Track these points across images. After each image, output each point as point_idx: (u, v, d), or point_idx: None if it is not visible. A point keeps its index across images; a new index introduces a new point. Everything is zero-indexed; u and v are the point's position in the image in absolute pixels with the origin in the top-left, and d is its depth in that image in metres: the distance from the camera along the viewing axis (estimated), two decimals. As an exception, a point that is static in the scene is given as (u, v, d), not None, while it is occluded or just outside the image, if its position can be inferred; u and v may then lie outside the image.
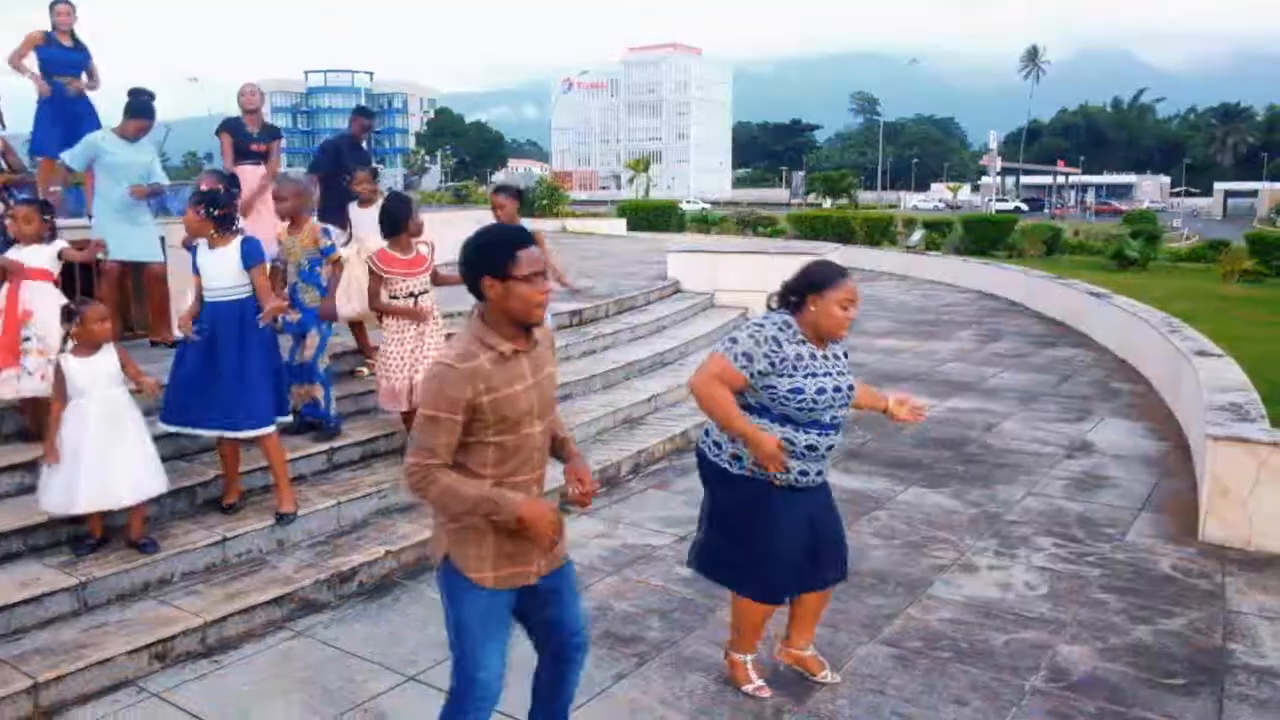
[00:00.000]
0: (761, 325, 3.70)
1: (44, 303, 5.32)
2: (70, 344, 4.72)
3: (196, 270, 5.26)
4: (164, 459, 5.44)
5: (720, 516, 3.92)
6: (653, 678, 4.21)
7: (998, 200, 74.19)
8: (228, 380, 5.11)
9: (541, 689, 3.25)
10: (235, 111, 8.21)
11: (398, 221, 6.09)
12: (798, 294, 3.70)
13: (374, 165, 7.97)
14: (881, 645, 4.50)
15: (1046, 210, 72.14)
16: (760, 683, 4.04)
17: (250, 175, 7.86)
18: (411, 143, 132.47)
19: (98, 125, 7.89)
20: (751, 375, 3.64)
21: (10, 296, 5.36)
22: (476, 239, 2.86)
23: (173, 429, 5.24)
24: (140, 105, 6.92)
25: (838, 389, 3.70)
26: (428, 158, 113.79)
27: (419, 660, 4.32)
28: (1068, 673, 4.24)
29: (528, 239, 2.85)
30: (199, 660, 4.32)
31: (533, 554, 2.95)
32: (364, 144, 8.87)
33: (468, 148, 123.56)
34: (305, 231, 6.27)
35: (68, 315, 4.73)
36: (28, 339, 5.32)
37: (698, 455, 3.97)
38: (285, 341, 6.08)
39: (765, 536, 3.77)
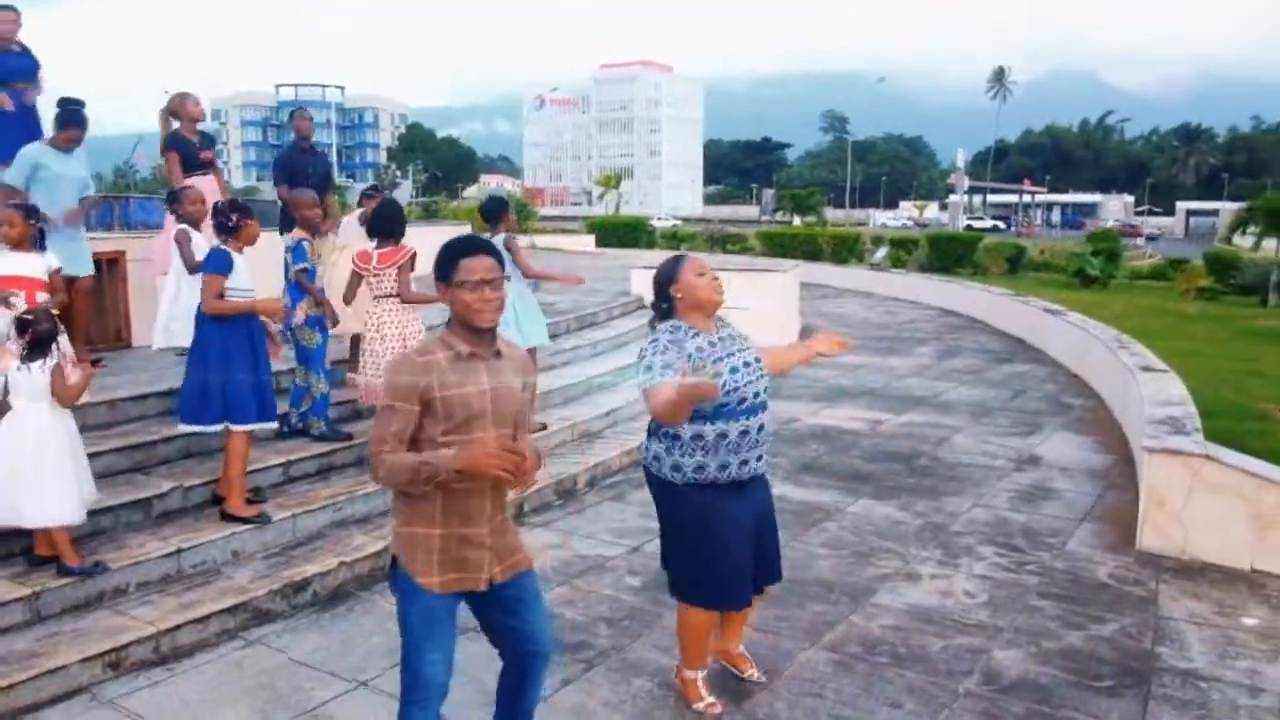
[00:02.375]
0: (655, 339, 3.78)
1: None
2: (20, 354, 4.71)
3: (224, 269, 5.31)
4: (120, 472, 5.55)
5: (670, 529, 4.00)
6: (598, 683, 4.32)
7: (971, 218, 75.12)
8: (250, 377, 5.35)
9: (503, 693, 3.32)
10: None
11: (392, 225, 6.26)
12: (663, 298, 3.85)
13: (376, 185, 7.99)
14: (822, 651, 4.63)
15: (1013, 228, 73.11)
16: (711, 699, 4.08)
17: (204, 185, 7.84)
18: (383, 157, 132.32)
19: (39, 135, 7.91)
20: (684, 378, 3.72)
21: None
22: (440, 250, 3.04)
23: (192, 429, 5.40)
24: (71, 115, 6.86)
25: (746, 363, 3.78)
26: (399, 173, 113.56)
27: (369, 668, 4.40)
28: (1000, 676, 4.38)
29: (475, 249, 2.99)
30: (152, 668, 4.37)
31: (483, 562, 3.02)
32: (312, 140, 8.91)
33: (439, 163, 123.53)
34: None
35: (20, 327, 4.69)
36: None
37: (644, 471, 4.06)
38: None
39: (715, 541, 3.84)
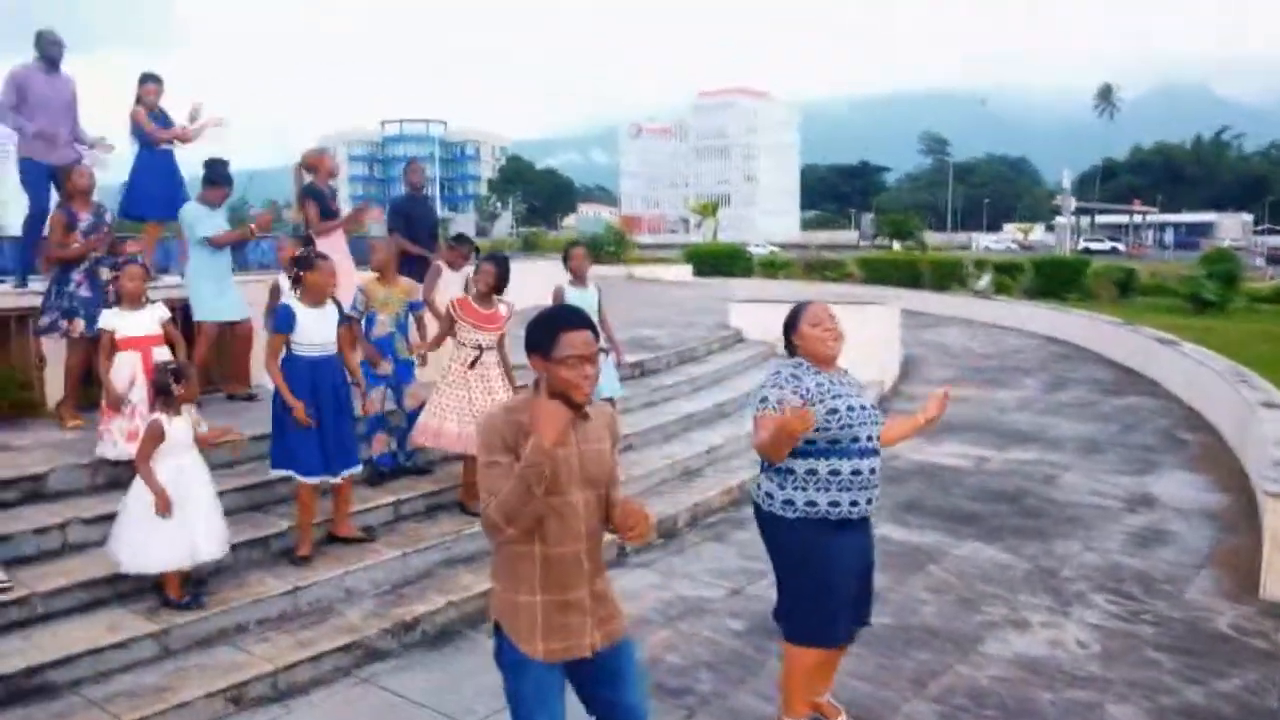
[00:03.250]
0: (777, 373, 3.96)
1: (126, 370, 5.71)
2: (161, 403, 4.98)
3: (288, 328, 5.50)
4: (240, 510, 5.80)
5: (780, 567, 4.06)
6: (701, 730, 4.34)
7: (1089, 239, 73.02)
8: (332, 429, 5.56)
9: None
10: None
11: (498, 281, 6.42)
12: (787, 340, 4.06)
13: (470, 239, 8.23)
14: (928, 703, 4.56)
15: (1124, 248, 70.84)
16: None
17: (331, 238, 8.25)
18: (484, 189, 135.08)
19: (182, 182, 8.48)
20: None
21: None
22: (534, 318, 2.99)
23: (284, 473, 5.60)
24: (220, 174, 7.46)
25: (863, 406, 3.91)
26: (499, 204, 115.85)
27: (477, 709, 4.50)
28: (1114, 733, 4.27)
29: (577, 322, 2.91)
30: (270, 705, 4.55)
31: (585, 626, 3.00)
32: (424, 190, 9.63)
33: (538, 194, 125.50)
34: (400, 285, 6.80)
35: (176, 377, 4.98)
36: (130, 402, 5.70)
37: (754, 509, 4.11)
38: (375, 393, 6.52)
39: (822, 575, 3.89)
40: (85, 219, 6.73)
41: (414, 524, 6.30)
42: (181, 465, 4.93)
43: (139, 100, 8.43)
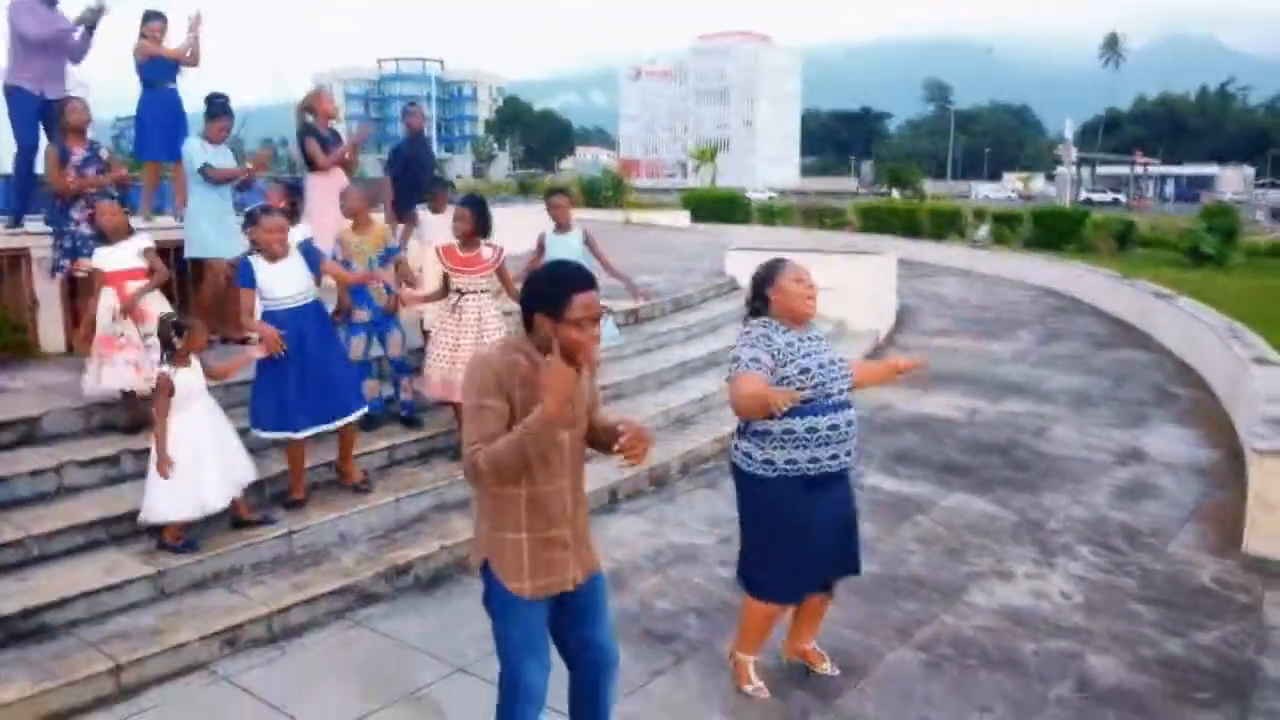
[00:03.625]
0: (748, 332, 3.96)
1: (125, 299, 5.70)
2: (166, 356, 4.98)
3: (252, 283, 5.39)
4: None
5: (753, 521, 4.11)
6: (689, 676, 4.41)
7: (1090, 190, 72.67)
8: (317, 378, 5.47)
9: (577, 704, 3.37)
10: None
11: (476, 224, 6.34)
12: (759, 297, 3.99)
13: (448, 180, 8.30)
14: (912, 651, 4.64)
15: (1125, 200, 70.58)
16: (760, 684, 4.24)
17: (331, 178, 8.21)
18: (480, 130, 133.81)
19: (186, 120, 8.41)
20: (770, 374, 3.80)
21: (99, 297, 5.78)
22: (537, 276, 3.00)
23: (273, 435, 5.54)
24: (220, 107, 7.39)
25: (833, 361, 3.95)
26: (496, 145, 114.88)
27: (468, 652, 4.57)
28: (1093, 683, 4.34)
29: (586, 283, 2.92)
30: (265, 646, 4.63)
31: (568, 563, 3.09)
32: (424, 132, 9.61)
33: (536, 136, 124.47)
34: (373, 231, 6.67)
35: (178, 330, 4.96)
36: (121, 334, 5.70)
37: (731, 466, 4.15)
38: (357, 341, 6.44)
39: (797, 534, 3.96)
40: (79, 154, 6.68)
41: (408, 469, 6.35)
42: (192, 417, 4.94)
43: (143, 38, 8.31)
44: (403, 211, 8.69)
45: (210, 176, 7.19)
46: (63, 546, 4.89)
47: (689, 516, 6.45)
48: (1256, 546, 5.75)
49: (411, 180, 8.70)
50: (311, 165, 8.45)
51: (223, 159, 7.35)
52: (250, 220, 5.56)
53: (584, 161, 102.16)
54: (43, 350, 7.19)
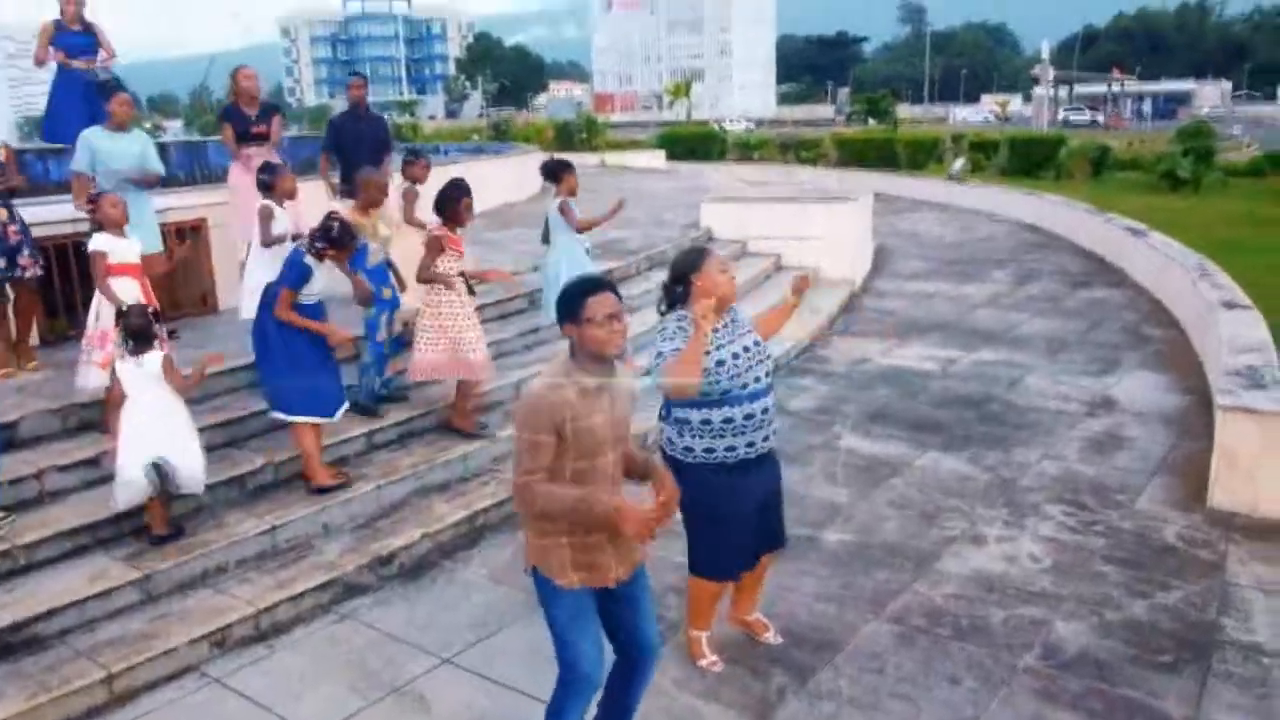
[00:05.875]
0: (664, 328, 4.08)
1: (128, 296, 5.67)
2: (128, 346, 5.04)
3: (297, 285, 5.51)
4: (216, 448, 5.86)
5: (681, 504, 4.22)
6: (667, 658, 4.50)
7: (1069, 109, 72.23)
8: (334, 367, 5.77)
9: (614, 686, 3.58)
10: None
11: (455, 211, 6.37)
12: (680, 283, 4.08)
13: (411, 148, 8.07)
14: (886, 623, 4.77)
15: (1103, 120, 70.30)
16: (714, 658, 4.45)
17: (256, 157, 7.93)
18: (452, 69, 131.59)
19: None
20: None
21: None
22: (561, 295, 3.23)
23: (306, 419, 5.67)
24: (109, 87, 7.17)
25: (746, 349, 4.07)
26: (468, 85, 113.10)
27: (454, 643, 4.68)
28: (1060, 650, 4.49)
29: (597, 287, 3.17)
30: (254, 645, 4.72)
31: (610, 563, 3.31)
32: (366, 105, 8.90)
33: (508, 73, 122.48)
34: (376, 214, 6.82)
35: (156, 316, 5.13)
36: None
37: (660, 452, 4.26)
38: (385, 321, 6.65)
39: (719, 519, 4.16)
40: None
41: (387, 454, 6.40)
42: (137, 406, 5.02)
43: (61, 13, 8.09)
44: (350, 188, 7.99)
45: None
46: (48, 554, 4.94)
47: (668, 487, 6.53)
48: (1221, 500, 5.90)
49: (348, 160, 8.29)
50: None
51: (123, 144, 6.90)
52: (337, 238, 5.56)
53: (557, 100, 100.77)
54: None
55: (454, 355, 6.37)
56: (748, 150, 36.08)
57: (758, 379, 4.06)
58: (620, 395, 3.27)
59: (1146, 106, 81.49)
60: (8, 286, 6.54)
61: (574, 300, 3.15)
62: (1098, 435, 7.22)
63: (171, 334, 7.00)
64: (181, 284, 8.22)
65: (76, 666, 4.31)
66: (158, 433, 5.00)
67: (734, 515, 4.14)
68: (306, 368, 5.54)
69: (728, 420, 4.01)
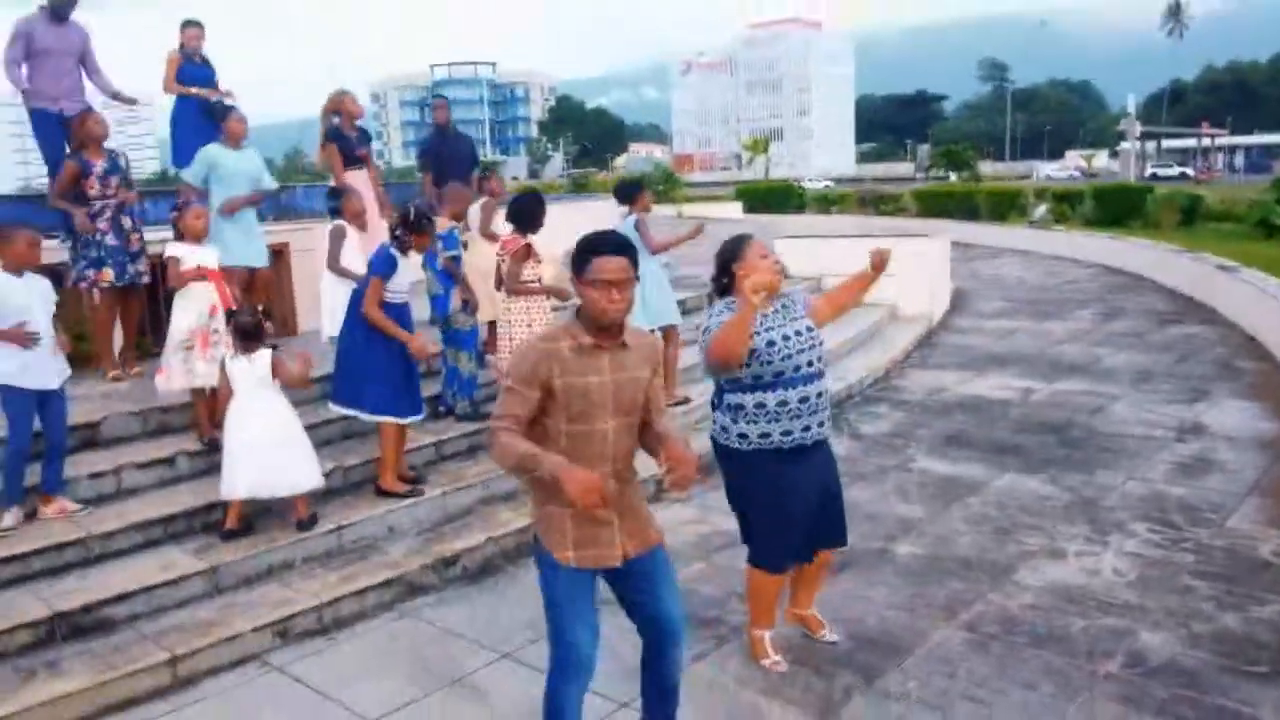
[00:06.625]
0: (714, 308, 4.08)
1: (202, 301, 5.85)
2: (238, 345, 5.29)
3: (386, 273, 5.59)
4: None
5: (737, 493, 4.23)
6: (730, 657, 4.42)
7: (1156, 165, 70.74)
8: (414, 370, 5.81)
9: (645, 669, 3.47)
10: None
11: (534, 217, 6.52)
12: (724, 272, 4.07)
13: (484, 164, 8.47)
14: (957, 630, 4.59)
15: (1192, 174, 68.67)
16: (777, 658, 4.32)
17: (359, 180, 8.29)
18: (534, 131, 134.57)
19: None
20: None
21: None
22: (577, 243, 3.14)
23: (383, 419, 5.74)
24: (223, 108, 7.51)
25: (798, 332, 4.01)
26: (550, 146, 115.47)
27: (514, 639, 4.63)
28: (1145, 659, 4.26)
29: (608, 248, 3.05)
30: (316, 638, 4.73)
31: (615, 538, 3.17)
32: (450, 125, 9.51)
33: (589, 134, 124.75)
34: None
35: (267, 314, 5.30)
36: (215, 330, 5.83)
37: (712, 443, 4.22)
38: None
39: (778, 506, 4.06)
40: (99, 165, 6.80)
41: (455, 464, 6.43)
42: (256, 406, 5.21)
43: (181, 47, 8.49)
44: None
45: (224, 211, 7.25)
46: (122, 545, 5.05)
47: (735, 503, 6.43)
48: (1320, 519, 5.59)
49: (443, 177, 8.68)
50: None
51: (242, 162, 7.40)
52: (415, 222, 5.71)
53: (636, 159, 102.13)
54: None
55: None
56: (827, 204, 36.01)
57: (810, 363, 4.01)
58: (629, 361, 3.13)
59: (1239, 160, 79.40)
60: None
61: (583, 254, 3.06)
62: (1186, 459, 6.92)
63: (274, 348, 7.28)
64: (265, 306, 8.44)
65: (142, 649, 4.37)
66: (266, 439, 5.16)
67: (790, 503, 4.05)
68: (391, 369, 5.61)
69: (782, 403, 3.95)
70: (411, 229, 5.65)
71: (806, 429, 4.00)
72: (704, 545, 5.76)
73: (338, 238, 6.69)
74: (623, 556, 3.19)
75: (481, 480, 6.16)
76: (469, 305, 6.80)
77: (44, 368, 5.06)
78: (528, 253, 6.45)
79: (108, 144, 7.03)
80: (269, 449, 5.15)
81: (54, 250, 7.50)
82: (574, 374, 3.03)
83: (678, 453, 3.10)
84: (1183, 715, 3.84)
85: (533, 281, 6.50)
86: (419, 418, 5.92)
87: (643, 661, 3.45)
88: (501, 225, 7.08)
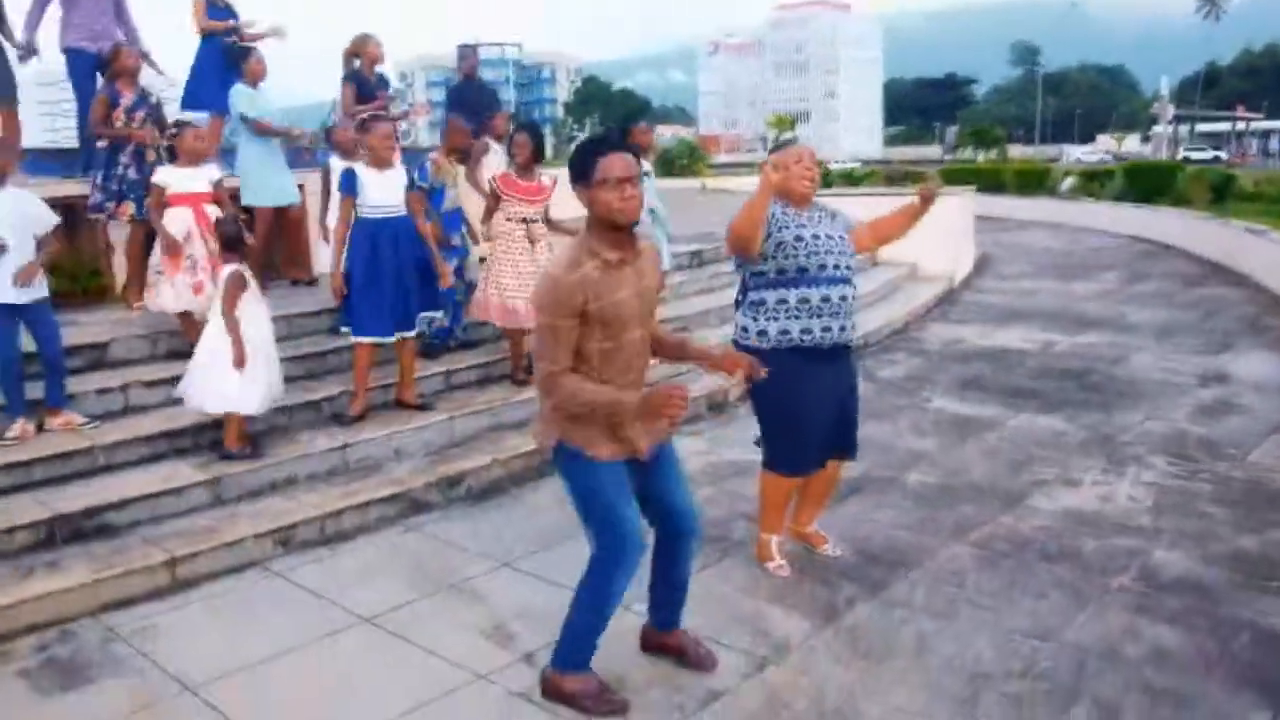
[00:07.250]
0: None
1: (180, 227, 5.80)
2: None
3: (350, 190, 5.61)
4: (295, 378, 5.92)
5: (756, 394, 4.14)
6: (734, 569, 4.37)
7: (1189, 148, 69.71)
8: (391, 291, 5.67)
9: (656, 564, 3.44)
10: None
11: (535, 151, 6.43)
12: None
13: (505, 112, 8.53)
14: (967, 547, 4.51)
15: (1226, 157, 67.64)
16: (781, 562, 4.30)
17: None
18: (560, 112, 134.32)
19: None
20: (766, 239, 3.90)
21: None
22: (571, 155, 3.07)
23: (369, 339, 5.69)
24: (242, 50, 7.63)
25: (829, 235, 3.98)
26: (576, 127, 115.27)
27: (515, 550, 4.59)
28: (1157, 574, 4.16)
29: (611, 146, 2.99)
30: (317, 547, 4.70)
31: (638, 435, 3.14)
32: (475, 75, 9.94)
33: (615, 116, 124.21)
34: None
35: (249, 225, 5.38)
36: (188, 255, 5.80)
37: (731, 344, 4.14)
38: (450, 269, 6.52)
39: (794, 408, 4.02)
40: (128, 98, 6.77)
41: (464, 393, 6.39)
42: (254, 314, 5.14)
43: None
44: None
45: (256, 129, 7.36)
46: (127, 457, 5.04)
47: (744, 437, 6.30)
48: (1344, 452, 5.45)
49: (468, 117, 8.71)
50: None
51: (261, 105, 7.49)
52: (363, 128, 5.84)
53: (662, 137, 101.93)
54: (119, 294, 7.39)
55: (500, 299, 6.31)
56: (853, 181, 35.68)
57: (836, 266, 3.96)
58: (645, 267, 3.11)
59: (1274, 144, 78.13)
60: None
61: (585, 158, 2.96)
62: (1209, 402, 6.79)
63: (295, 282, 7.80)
64: (280, 251, 8.40)
65: (144, 551, 4.36)
66: (202, 358, 5.09)
67: (809, 405, 4.00)
68: (366, 288, 5.57)
69: (803, 300, 3.91)
70: (360, 129, 5.91)
71: (827, 329, 3.94)
72: (713, 473, 5.69)
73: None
74: (644, 449, 3.18)
75: (489, 408, 6.12)
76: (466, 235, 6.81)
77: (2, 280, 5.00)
78: (495, 193, 6.37)
79: (143, 82, 7.04)
80: (200, 368, 5.09)
81: (63, 185, 7.55)
82: (606, 294, 2.97)
83: (726, 357, 3.31)
84: (1195, 625, 3.74)
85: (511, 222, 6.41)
86: (385, 338, 5.72)
87: (654, 555, 3.40)
88: (488, 170, 7.13)
